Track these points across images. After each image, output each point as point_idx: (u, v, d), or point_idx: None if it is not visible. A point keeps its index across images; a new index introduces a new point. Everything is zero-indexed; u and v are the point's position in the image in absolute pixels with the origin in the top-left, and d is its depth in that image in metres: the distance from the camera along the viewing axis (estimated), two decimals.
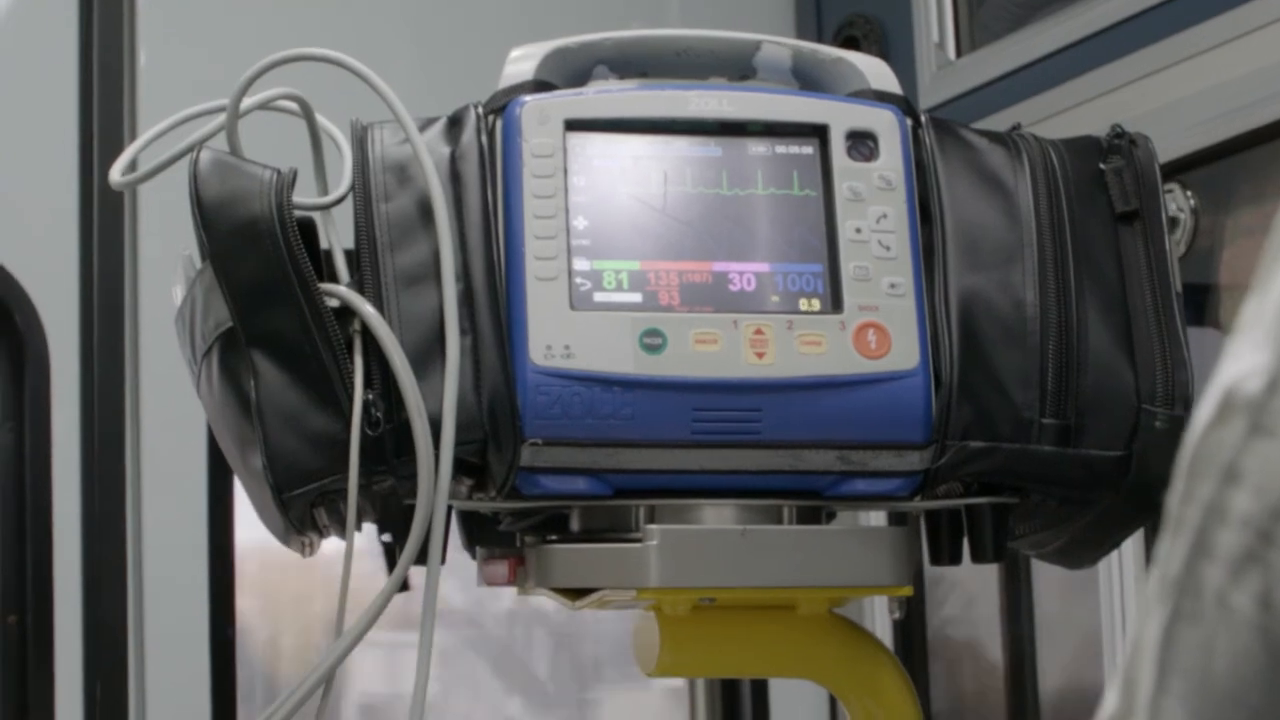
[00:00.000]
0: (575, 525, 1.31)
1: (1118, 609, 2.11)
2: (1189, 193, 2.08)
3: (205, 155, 1.25)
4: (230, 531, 2.37)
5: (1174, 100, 2.07)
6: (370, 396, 1.22)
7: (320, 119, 1.39)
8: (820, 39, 2.74)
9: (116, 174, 1.35)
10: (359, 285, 1.25)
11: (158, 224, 2.39)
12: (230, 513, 2.35)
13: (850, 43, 2.67)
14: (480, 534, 1.34)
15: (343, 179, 1.32)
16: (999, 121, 2.13)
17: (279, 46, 2.46)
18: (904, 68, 2.48)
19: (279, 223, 1.22)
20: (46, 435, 2.34)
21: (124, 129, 2.46)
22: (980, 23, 2.62)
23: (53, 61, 2.44)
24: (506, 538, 1.34)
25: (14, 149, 2.41)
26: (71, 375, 2.36)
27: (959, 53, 2.54)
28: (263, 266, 1.22)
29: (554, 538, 1.30)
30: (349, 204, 1.31)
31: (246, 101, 1.31)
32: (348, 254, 1.30)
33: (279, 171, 1.25)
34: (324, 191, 1.35)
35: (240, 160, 1.27)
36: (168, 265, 2.35)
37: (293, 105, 1.36)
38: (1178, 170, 2.03)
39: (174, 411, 2.31)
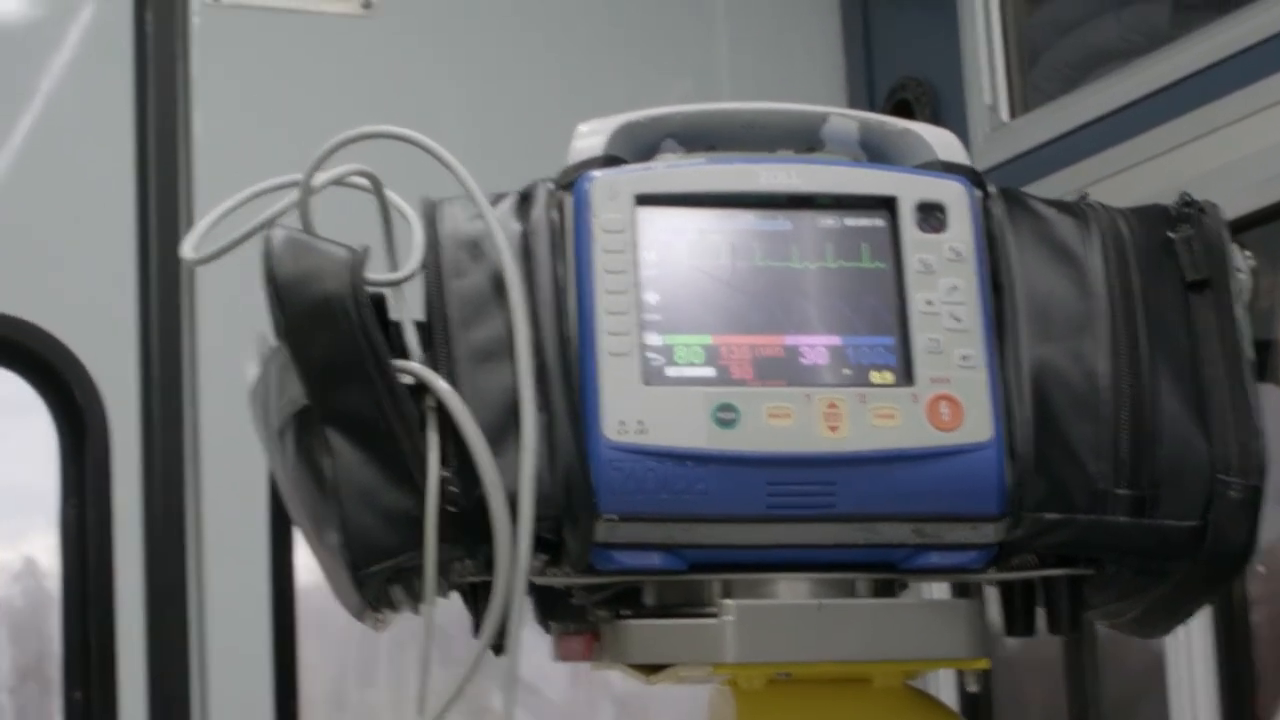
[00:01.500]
0: (649, 600, 1.30)
1: (1184, 677, 2.09)
2: (1247, 253, 2.08)
3: (278, 233, 1.26)
4: (292, 603, 2.37)
5: (1229, 161, 2.07)
6: (446, 473, 1.22)
7: (389, 194, 1.40)
8: (872, 102, 2.75)
9: (189, 251, 1.36)
10: (432, 362, 1.25)
11: (216, 296, 2.41)
12: (292, 585, 2.36)
13: (903, 106, 2.67)
14: (554, 608, 1.34)
15: (412, 254, 1.33)
16: (1055, 182, 2.14)
17: (333, 117, 2.48)
18: (956, 130, 2.49)
19: (354, 301, 1.22)
20: (108, 509, 2.35)
21: (179, 201, 2.48)
22: (1032, 84, 2.63)
23: (109, 133, 2.47)
24: (579, 611, 1.34)
25: (71, 223, 2.44)
26: (132, 449, 2.38)
27: (1012, 114, 2.54)
28: (337, 345, 1.22)
29: (628, 613, 1.30)
30: (416, 278, 1.31)
31: (318, 178, 1.31)
32: (418, 328, 1.31)
33: (353, 249, 1.26)
34: (393, 267, 1.35)
35: (313, 238, 1.28)
36: (225, 338, 2.38)
37: (363, 181, 1.37)
38: (1235, 230, 2.03)
39: (234, 484, 2.33)
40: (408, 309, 1.32)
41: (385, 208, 1.38)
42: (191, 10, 2.53)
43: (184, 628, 2.32)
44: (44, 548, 2.50)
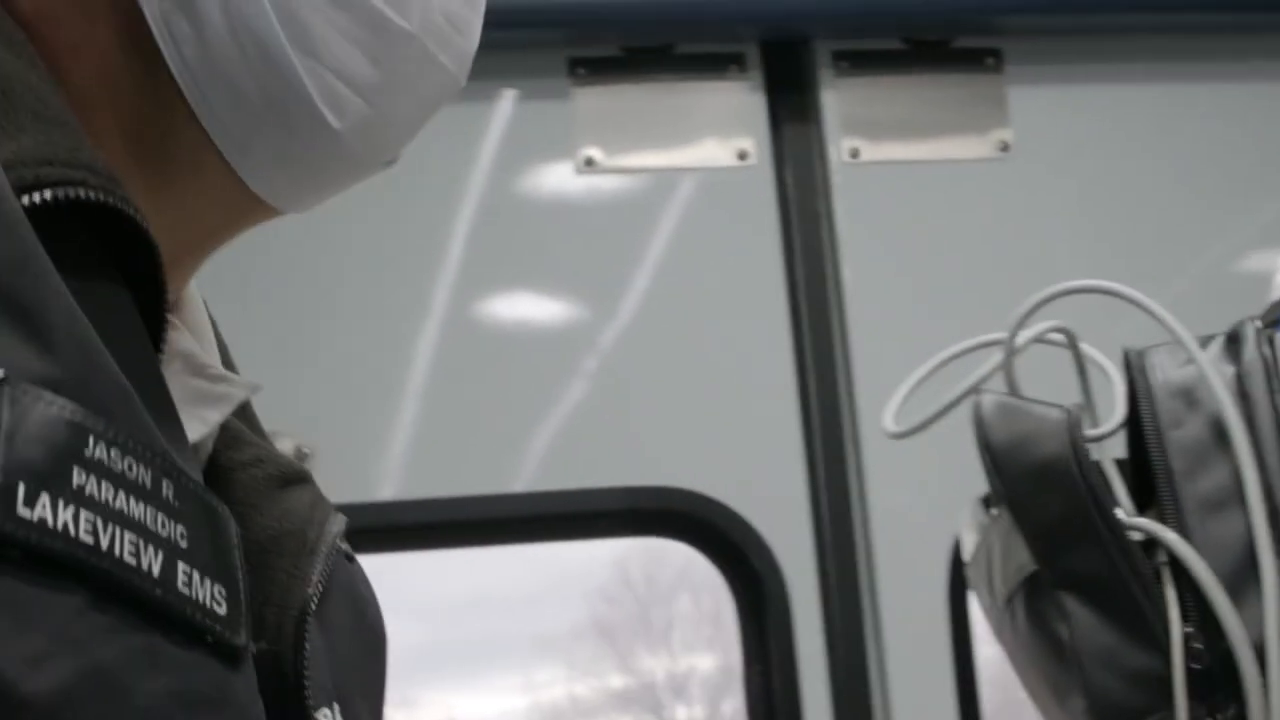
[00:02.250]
0: None
1: None
2: None
3: (988, 399, 1.26)
4: None
5: None
6: (1187, 629, 1.18)
7: (1084, 347, 1.38)
8: None
9: (890, 424, 1.38)
10: (1159, 515, 1.22)
11: (881, 451, 2.44)
12: None
13: None
14: None
15: (1116, 407, 1.31)
16: None
17: (973, 260, 2.49)
18: None
19: (1076, 462, 1.21)
20: (793, 675, 2.40)
21: (835, 355, 2.53)
22: None
23: (759, 296, 2.55)
24: None
25: (734, 395, 2.52)
26: (812, 614, 2.42)
27: None
28: (1063, 507, 1.21)
29: None
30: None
31: (1020, 338, 1.31)
32: (1124, 478, 1.28)
33: (1066, 408, 1.25)
34: (1092, 422, 1.34)
35: (1021, 400, 1.28)
36: (893, 500, 2.41)
37: (1059, 337, 1.36)
38: None
39: (915, 642, 2.34)
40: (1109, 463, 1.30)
41: (1081, 362, 1.37)
42: (831, 169, 2.61)
43: None
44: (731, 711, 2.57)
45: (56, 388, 0.60)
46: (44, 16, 0.78)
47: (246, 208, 0.85)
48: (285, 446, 2.47)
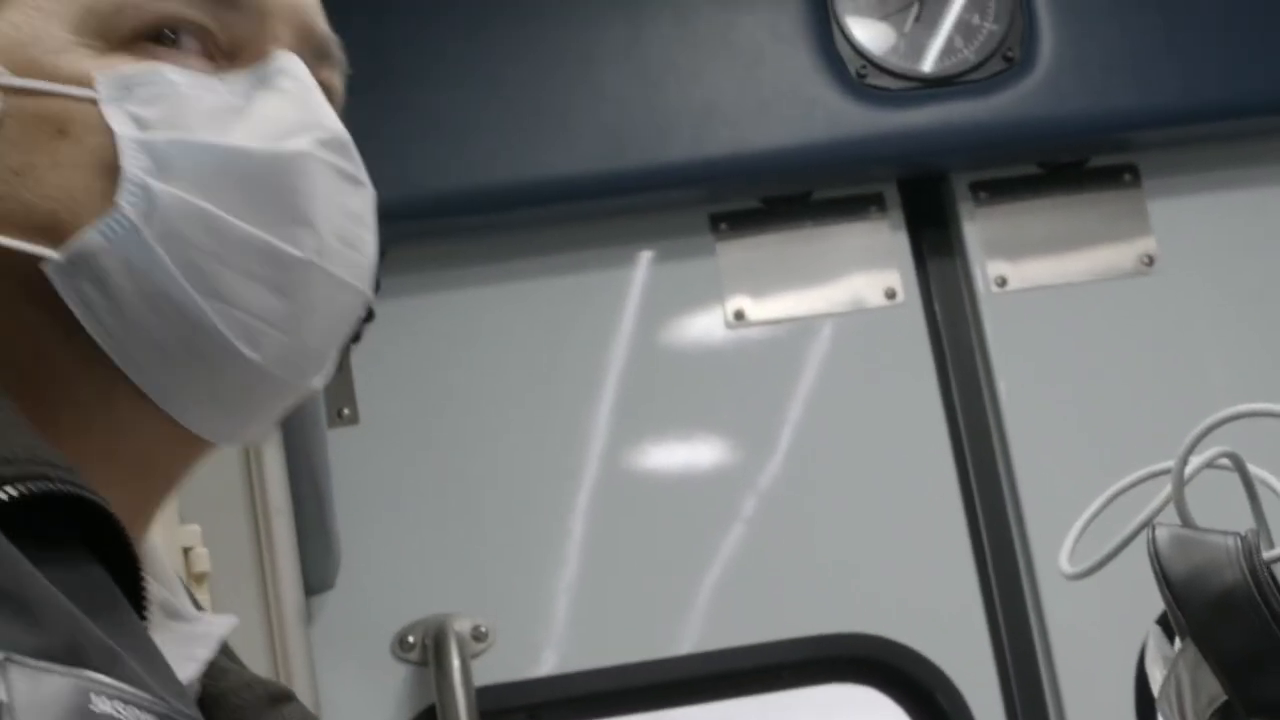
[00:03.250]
0: None
1: None
2: None
3: (1162, 531, 1.26)
4: None
5: None
6: None
7: (1252, 469, 1.38)
8: None
9: (1066, 565, 1.38)
10: None
11: (1056, 584, 2.42)
12: None
13: None
14: None
15: None
16: None
17: (1123, 376, 2.47)
18: None
19: (1256, 588, 1.20)
20: None
21: (1001, 482, 2.53)
22: None
23: (921, 430, 2.56)
24: None
25: (903, 533, 2.52)
26: None
27: None
28: (1248, 635, 1.20)
29: None
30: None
31: (1189, 467, 1.31)
32: None
33: (1241, 536, 1.24)
34: (1268, 543, 1.33)
35: (1195, 530, 1.27)
36: (1073, 628, 2.38)
37: (1225, 462, 1.36)
38: None
39: None
40: None
41: (1250, 485, 1.36)
42: (979, 299, 2.62)
43: None
44: None
45: (51, 656, 0.64)
46: None
47: (189, 447, 0.89)
48: (463, 627, 2.51)
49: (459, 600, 2.48)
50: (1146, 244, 2.67)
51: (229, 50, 0.90)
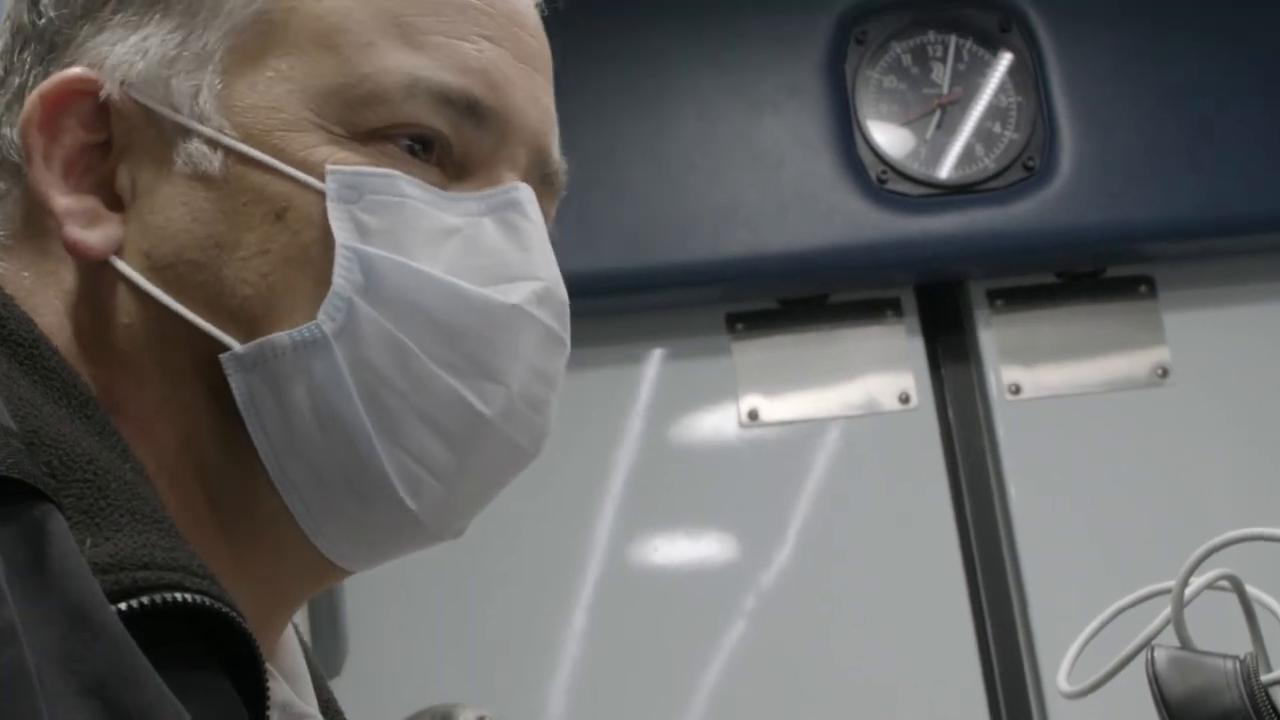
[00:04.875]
0: None
1: None
2: None
3: (1161, 653, 1.26)
4: None
5: None
6: None
7: (1251, 590, 1.38)
8: None
9: (1064, 684, 1.38)
10: None
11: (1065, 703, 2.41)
12: None
13: None
14: None
15: None
16: None
17: (1134, 487, 2.47)
18: None
19: (1254, 712, 1.21)
20: None
21: (1011, 599, 2.52)
22: None
23: (933, 544, 2.56)
24: None
25: (910, 638, 2.52)
26: None
27: None
28: None
29: None
30: None
31: (1189, 589, 1.32)
32: None
33: (1239, 659, 1.25)
34: (1266, 666, 1.33)
35: (1194, 653, 1.28)
36: None
37: (1224, 584, 1.36)
38: None
39: None
40: None
41: (1248, 606, 1.37)
42: (993, 407, 2.63)
43: None
44: None
45: None
46: (129, 377, 0.80)
47: (323, 570, 0.86)
48: (469, 718, 2.50)
49: (466, 690, 2.48)
50: (1161, 355, 2.68)
51: (461, 163, 0.86)
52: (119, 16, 0.84)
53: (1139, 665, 1.29)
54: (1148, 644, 1.29)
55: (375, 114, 0.83)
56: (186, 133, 0.82)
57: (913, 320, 2.70)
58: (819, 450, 2.65)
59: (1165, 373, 2.68)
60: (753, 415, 2.66)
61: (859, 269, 2.64)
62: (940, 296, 2.72)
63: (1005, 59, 2.73)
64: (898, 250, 2.62)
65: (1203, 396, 2.65)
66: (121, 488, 0.71)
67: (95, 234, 0.82)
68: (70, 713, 0.61)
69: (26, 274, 0.82)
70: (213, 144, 0.81)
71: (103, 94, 0.83)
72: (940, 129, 2.71)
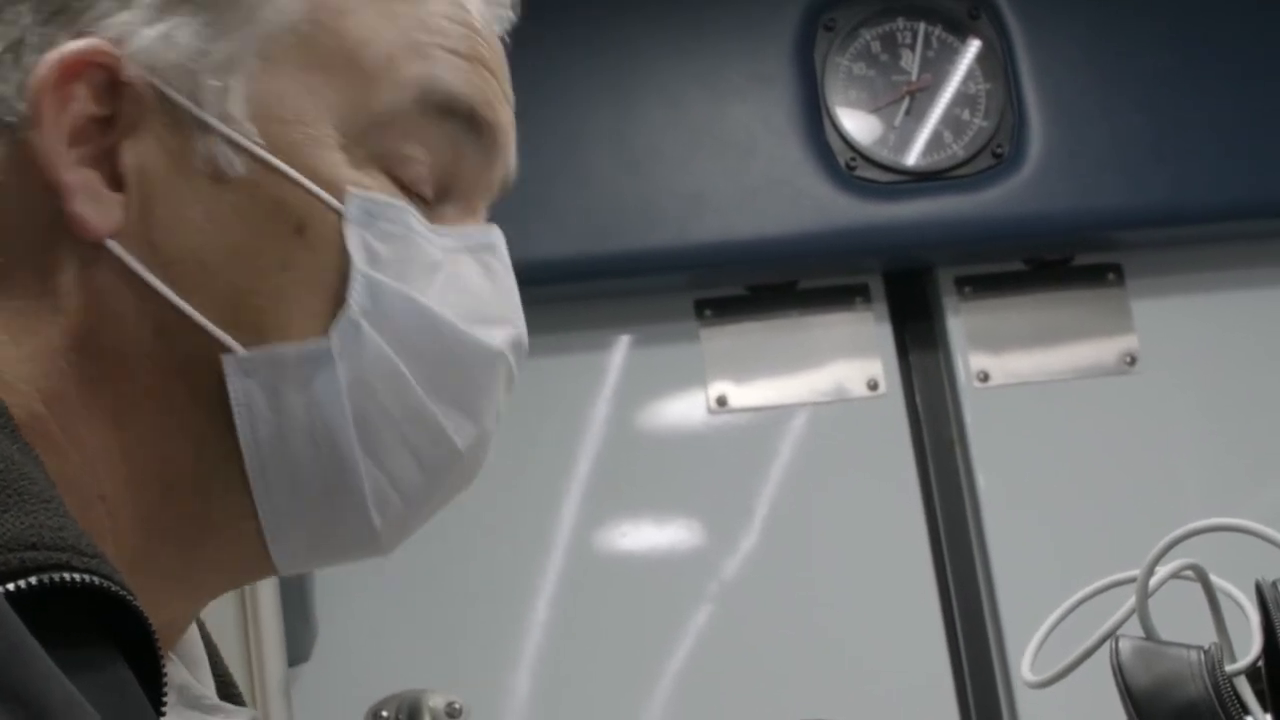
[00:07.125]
0: None
1: None
2: None
3: (1125, 644, 1.27)
4: None
5: None
6: None
7: (1216, 581, 1.38)
8: None
9: (1028, 673, 1.38)
10: None
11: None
12: None
13: None
14: None
15: (1253, 639, 1.30)
16: None
17: (1100, 473, 2.48)
18: None
19: (1219, 702, 1.21)
20: None
21: (979, 586, 2.53)
22: None
23: (900, 529, 2.56)
24: None
25: (878, 623, 2.52)
26: None
27: None
28: None
29: None
30: None
31: (1154, 579, 1.32)
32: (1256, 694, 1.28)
33: (1204, 649, 1.25)
34: (1230, 657, 1.33)
35: (1158, 643, 1.28)
36: None
37: (1189, 574, 1.37)
38: None
39: None
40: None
41: (1213, 597, 1.37)
42: (961, 393, 2.63)
43: None
44: None
45: None
46: (103, 364, 0.79)
47: (258, 568, 0.87)
48: (437, 703, 2.49)
49: (433, 676, 2.47)
50: (1129, 343, 2.69)
51: (442, 184, 0.87)
52: None
53: (1104, 655, 1.29)
54: (1112, 634, 1.29)
55: (390, 137, 0.84)
56: (207, 131, 0.81)
57: (881, 307, 2.70)
58: (787, 436, 2.65)
59: (1133, 360, 2.69)
60: (721, 401, 2.66)
61: (827, 255, 2.65)
62: (909, 283, 2.72)
63: (974, 46, 2.73)
64: (866, 237, 2.62)
65: (1170, 384, 2.66)
66: (8, 467, 0.71)
67: (99, 213, 0.80)
68: None
69: None
70: (236, 147, 0.81)
71: (124, 74, 0.82)
72: (909, 116, 2.71)
